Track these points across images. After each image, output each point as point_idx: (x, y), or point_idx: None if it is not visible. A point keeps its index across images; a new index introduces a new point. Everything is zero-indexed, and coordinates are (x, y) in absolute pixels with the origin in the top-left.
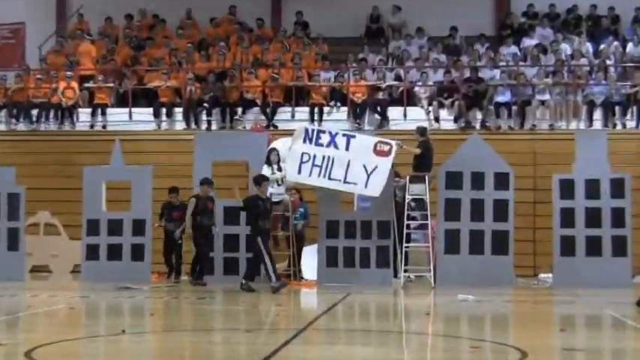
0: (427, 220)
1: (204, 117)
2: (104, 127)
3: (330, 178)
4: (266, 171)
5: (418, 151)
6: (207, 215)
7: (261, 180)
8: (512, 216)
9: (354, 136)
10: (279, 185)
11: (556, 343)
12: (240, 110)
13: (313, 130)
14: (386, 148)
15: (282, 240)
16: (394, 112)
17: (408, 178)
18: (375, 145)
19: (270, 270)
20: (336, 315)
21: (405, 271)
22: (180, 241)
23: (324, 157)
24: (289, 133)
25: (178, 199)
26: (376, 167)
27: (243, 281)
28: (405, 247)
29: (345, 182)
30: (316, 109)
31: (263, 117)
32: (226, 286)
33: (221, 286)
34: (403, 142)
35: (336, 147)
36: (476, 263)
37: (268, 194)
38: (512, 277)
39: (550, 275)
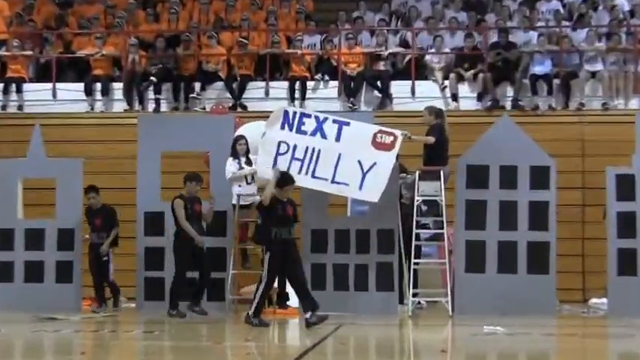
0: (442, 228)
1: (151, 95)
2: (20, 107)
3: (314, 176)
4: (231, 165)
5: (431, 139)
6: (196, 221)
7: (288, 182)
8: (554, 223)
9: (347, 124)
10: (248, 184)
11: None
12: (198, 86)
13: (295, 113)
14: (388, 139)
15: (253, 254)
16: (399, 88)
17: (417, 173)
18: (375, 136)
19: (258, 296)
20: (324, 352)
21: (415, 295)
22: (105, 258)
23: (307, 149)
24: (263, 115)
25: (99, 200)
26: (375, 164)
27: (308, 315)
28: (415, 263)
29: (333, 182)
30: (297, 85)
31: (228, 94)
32: (180, 316)
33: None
34: (411, 131)
35: (323, 136)
36: (507, 285)
37: (235, 195)
38: (554, 303)
39: (604, 300)
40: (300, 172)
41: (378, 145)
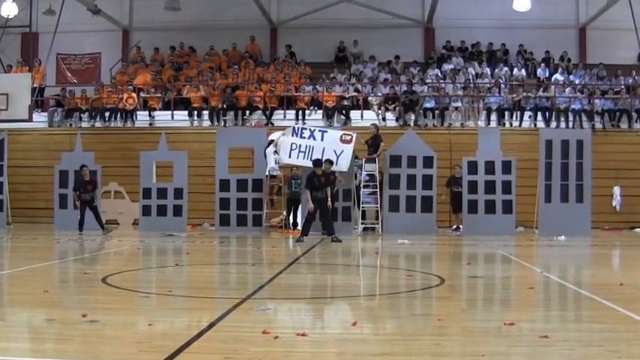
0: (377, 188)
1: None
2: (151, 124)
3: (311, 160)
4: (271, 151)
5: (383, 144)
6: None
7: (315, 165)
8: (435, 186)
9: (326, 131)
10: (276, 163)
11: (464, 273)
12: (248, 112)
13: (299, 128)
14: (348, 137)
15: (277, 202)
16: (355, 114)
17: (364, 160)
18: (341, 136)
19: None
20: (314, 253)
21: (362, 223)
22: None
23: (307, 146)
24: (282, 129)
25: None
26: (343, 151)
27: (333, 237)
28: (362, 206)
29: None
30: (300, 112)
31: (264, 117)
32: (238, 234)
33: (234, 234)
34: (361, 136)
35: (314, 139)
36: (410, 218)
37: (269, 168)
38: (435, 228)
39: (461, 227)
40: (304, 158)
41: (343, 141)
